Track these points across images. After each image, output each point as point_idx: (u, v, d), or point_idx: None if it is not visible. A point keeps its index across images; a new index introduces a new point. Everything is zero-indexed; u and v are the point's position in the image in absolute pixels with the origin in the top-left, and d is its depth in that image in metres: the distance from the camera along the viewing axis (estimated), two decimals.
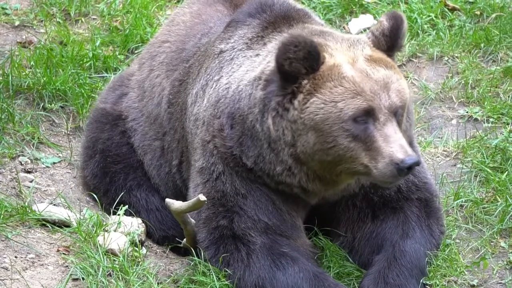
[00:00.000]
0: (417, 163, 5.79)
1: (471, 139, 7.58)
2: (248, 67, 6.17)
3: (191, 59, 6.75)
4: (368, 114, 5.79)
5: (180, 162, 6.73)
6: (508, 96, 8.02)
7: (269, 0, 6.45)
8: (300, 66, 5.79)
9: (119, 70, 8.41)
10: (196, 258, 6.15)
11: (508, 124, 7.71)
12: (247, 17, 6.42)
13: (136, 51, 8.65)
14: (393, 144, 5.76)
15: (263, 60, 6.14)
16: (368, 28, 9.14)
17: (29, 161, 7.37)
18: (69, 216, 6.57)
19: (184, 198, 6.37)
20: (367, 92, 5.79)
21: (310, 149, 5.87)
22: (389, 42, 6.07)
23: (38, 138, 7.60)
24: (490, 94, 8.09)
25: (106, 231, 6.44)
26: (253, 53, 6.24)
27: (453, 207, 6.83)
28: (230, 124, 6.09)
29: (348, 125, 5.78)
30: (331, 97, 5.78)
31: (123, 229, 6.52)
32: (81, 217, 6.58)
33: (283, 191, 6.16)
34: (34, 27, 9.04)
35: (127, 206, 6.70)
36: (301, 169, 5.98)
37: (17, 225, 6.45)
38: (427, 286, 6.08)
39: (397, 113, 5.86)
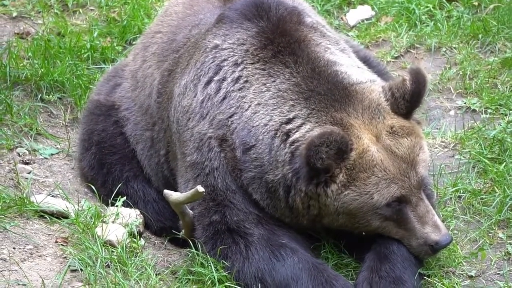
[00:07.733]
0: (451, 241, 6.01)
1: (469, 130, 7.57)
2: (259, 99, 6.04)
3: (181, 49, 6.67)
4: (401, 200, 5.89)
5: (167, 152, 6.70)
6: (506, 87, 8.01)
7: (264, 2, 6.32)
8: (332, 162, 5.75)
9: (117, 61, 8.39)
10: (194, 250, 6.15)
11: (506, 115, 7.69)
12: (243, 19, 6.28)
13: (133, 42, 8.62)
14: (427, 225, 5.94)
15: (276, 105, 5.98)
16: (367, 19, 9.14)
17: (27, 153, 7.36)
18: (67, 208, 6.56)
19: (172, 189, 6.35)
20: (398, 177, 5.85)
21: (336, 224, 5.99)
22: (409, 107, 6.03)
23: (36, 129, 7.59)
24: (488, 85, 8.07)
25: (104, 222, 6.44)
26: (259, 83, 6.08)
27: (451, 198, 6.83)
28: (242, 150, 6.03)
29: (382, 210, 5.89)
30: (366, 189, 5.82)
31: (121, 221, 6.51)
32: (79, 209, 6.58)
33: None
34: (32, 18, 9.03)
35: (125, 197, 6.70)
36: (311, 223, 6.06)
37: (15, 217, 6.45)
38: (424, 277, 6.08)
39: (424, 181, 5.99)
